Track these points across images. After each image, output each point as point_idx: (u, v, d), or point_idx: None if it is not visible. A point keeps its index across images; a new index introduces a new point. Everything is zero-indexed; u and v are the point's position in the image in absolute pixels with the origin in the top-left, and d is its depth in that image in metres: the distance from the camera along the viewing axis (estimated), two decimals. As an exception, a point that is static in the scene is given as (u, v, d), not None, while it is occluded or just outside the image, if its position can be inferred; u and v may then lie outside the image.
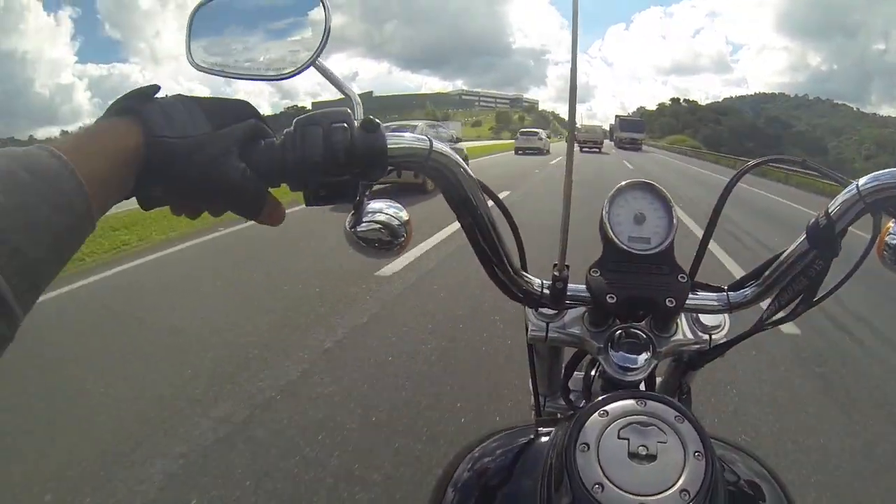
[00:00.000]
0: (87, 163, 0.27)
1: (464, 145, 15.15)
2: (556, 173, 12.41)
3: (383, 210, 0.40)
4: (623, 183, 0.48)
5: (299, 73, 0.40)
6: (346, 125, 0.34)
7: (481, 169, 11.88)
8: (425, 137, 0.38)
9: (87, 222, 0.27)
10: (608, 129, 47.87)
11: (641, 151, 34.34)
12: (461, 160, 0.40)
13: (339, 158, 0.34)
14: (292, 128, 0.35)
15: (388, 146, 0.36)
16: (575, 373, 0.57)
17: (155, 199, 0.34)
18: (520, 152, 23.16)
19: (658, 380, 0.59)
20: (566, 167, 0.43)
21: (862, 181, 0.39)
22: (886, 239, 0.41)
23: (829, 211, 0.41)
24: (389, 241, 0.40)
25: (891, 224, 0.41)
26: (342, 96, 0.42)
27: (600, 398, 0.38)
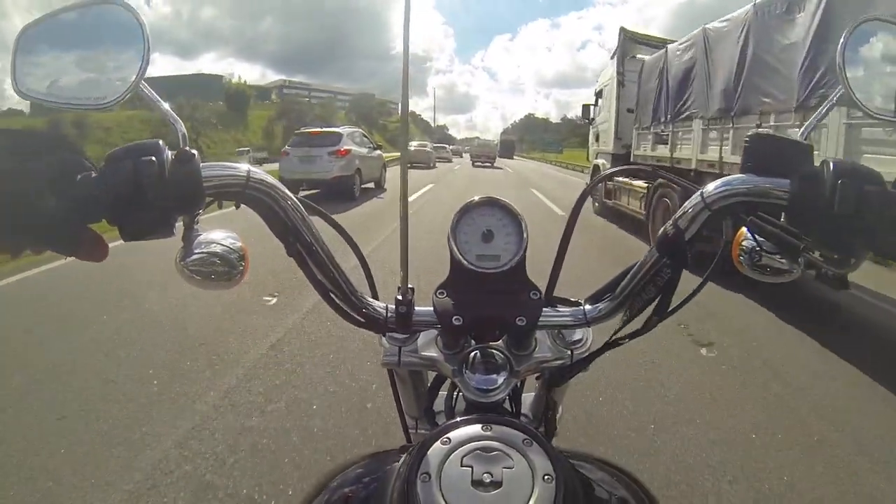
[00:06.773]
0: None
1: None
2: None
3: (217, 241, 0.39)
4: (471, 200, 0.46)
5: (120, 100, 0.38)
6: (153, 158, 0.33)
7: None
8: (240, 165, 0.37)
9: None
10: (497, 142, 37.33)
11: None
12: (281, 185, 0.39)
13: (148, 193, 0.33)
14: (104, 162, 0.34)
15: (203, 177, 0.35)
16: (439, 393, 0.54)
17: None
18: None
19: (531, 396, 0.58)
20: (401, 190, 0.41)
21: (707, 189, 0.39)
22: (742, 243, 0.41)
23: (677, 219, 0.40)
24: (226, 271, 0.38)
25: (743, 229, 0.40)
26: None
27: (443, 425, 0.36)
